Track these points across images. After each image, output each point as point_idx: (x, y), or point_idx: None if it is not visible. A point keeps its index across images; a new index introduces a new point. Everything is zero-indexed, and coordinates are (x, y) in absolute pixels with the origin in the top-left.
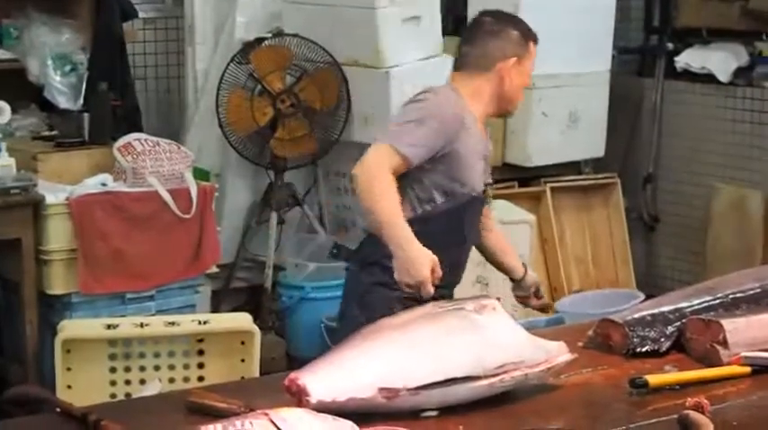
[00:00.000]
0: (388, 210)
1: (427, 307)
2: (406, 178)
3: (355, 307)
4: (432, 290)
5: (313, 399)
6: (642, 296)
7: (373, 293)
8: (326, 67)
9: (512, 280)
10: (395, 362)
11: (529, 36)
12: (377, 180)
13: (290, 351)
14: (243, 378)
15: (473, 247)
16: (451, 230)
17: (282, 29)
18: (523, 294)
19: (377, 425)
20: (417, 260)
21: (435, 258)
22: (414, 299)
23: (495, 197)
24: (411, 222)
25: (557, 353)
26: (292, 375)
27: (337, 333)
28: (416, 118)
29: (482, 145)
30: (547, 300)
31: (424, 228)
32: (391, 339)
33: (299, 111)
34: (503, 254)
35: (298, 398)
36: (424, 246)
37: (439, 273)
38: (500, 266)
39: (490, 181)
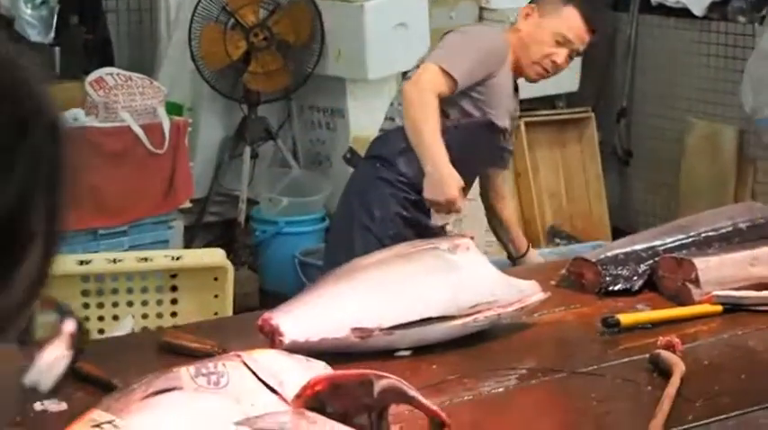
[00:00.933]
0: (428, 128)
1: (401, 246)
2: None
3: (355, 200)
4: (461, 207)
5: (286, 339)
6: None
7: (373, 188)
8: (300, 0)
9: (510, 258)
10: (368, 302)
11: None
12: (423, 98)
13: (263, 286)
14: (216, 314)
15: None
16: (460, 149)
17: None
18: None
19: (350, 365)
20: (447, 179)
21: (462, 183)
22: (411, 202)
23: None
24: None
25: (530, 292)
26: (265, 315)
27: (334, 228)
28: (465, 45)
29: (511, 99)
30: None
31: None
32: (365, 279)
33: (272, 45)
34: (509, 227)
35: (271, 338)
36: None
37: (464, 197)
38: (504, 239)
39: (511, 147)
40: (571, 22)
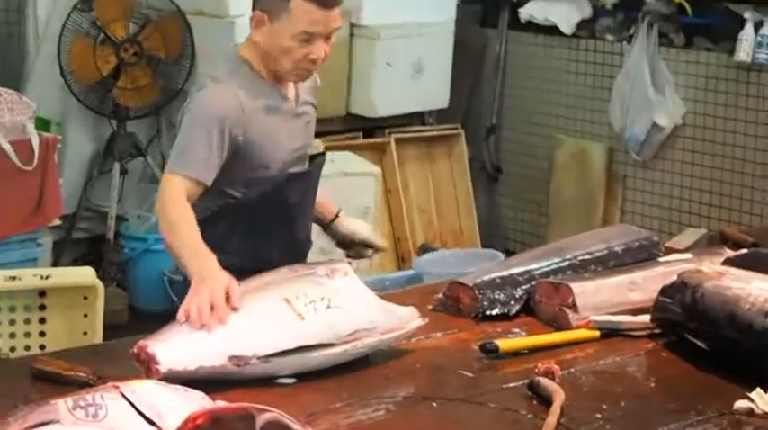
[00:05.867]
0: (185, 243)
1: (278, 271)
2: None
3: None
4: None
5: (163, 368)
6: (502, 256)
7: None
8: (170, 15)
9: (320, 224)
10: (245, 330)
11: None
12: (170, 213)
13: (132, 303)
14: (85, 333)
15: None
16: (263, 218)
17: None
18: (342, 241)
19: (229, 393)
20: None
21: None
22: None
23: (339, 148)
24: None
25: (408, 318)
26: (141, 343)
27: None
28: (192, 131)
29: (286, 105)
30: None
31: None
32: (242, 306)
33: (142, 60)
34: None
35: (146, 366)
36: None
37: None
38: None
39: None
40: (305, 15)
